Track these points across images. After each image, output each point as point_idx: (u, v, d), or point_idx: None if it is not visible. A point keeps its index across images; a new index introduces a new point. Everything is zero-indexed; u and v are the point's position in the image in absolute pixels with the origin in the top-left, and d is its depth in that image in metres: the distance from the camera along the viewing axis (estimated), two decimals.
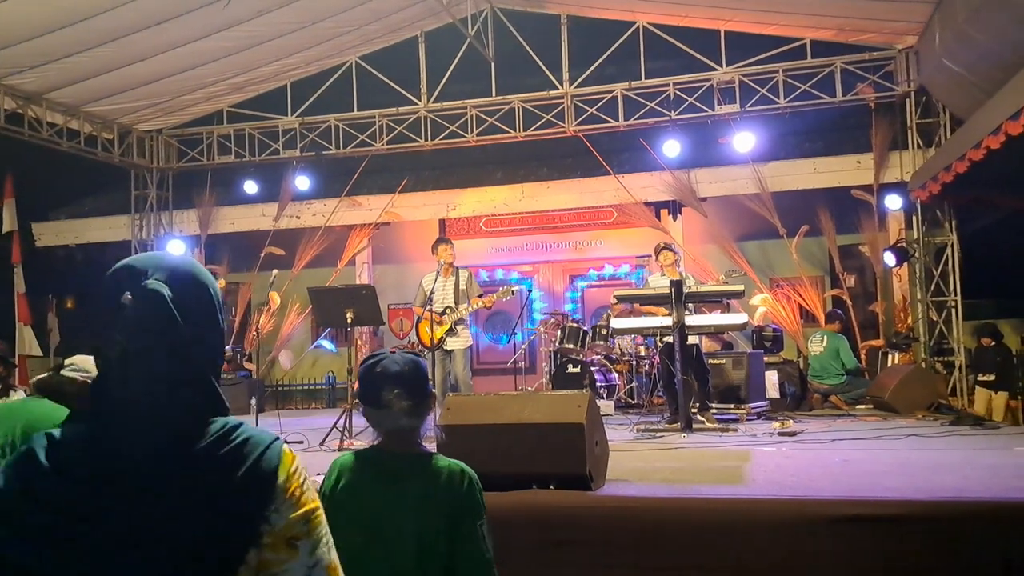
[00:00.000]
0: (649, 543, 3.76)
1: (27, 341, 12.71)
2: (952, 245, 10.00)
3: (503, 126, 11.44)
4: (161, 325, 1.20)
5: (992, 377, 9.31)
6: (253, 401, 9.20)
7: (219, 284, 7.14)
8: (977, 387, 9.55)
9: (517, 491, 4.03)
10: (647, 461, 5.42)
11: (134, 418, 1.18)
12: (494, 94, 11.51)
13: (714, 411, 7.82)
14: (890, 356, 10.06)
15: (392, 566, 2.05)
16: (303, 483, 1.26)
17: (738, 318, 7.63)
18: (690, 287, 7.35)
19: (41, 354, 13.44)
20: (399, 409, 2.19)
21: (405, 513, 2.11)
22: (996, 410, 8.90)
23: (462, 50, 11.04)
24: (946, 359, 9.97)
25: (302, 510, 1.24)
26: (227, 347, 12.45)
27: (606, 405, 8.88)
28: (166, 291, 1.21)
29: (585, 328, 9.92)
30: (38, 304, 13.48)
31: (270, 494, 1.21)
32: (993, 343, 9.72)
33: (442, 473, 2.18)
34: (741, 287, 7.39)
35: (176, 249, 11.90)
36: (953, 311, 9.95)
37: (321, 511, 1.27)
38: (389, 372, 2.23)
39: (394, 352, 2.32)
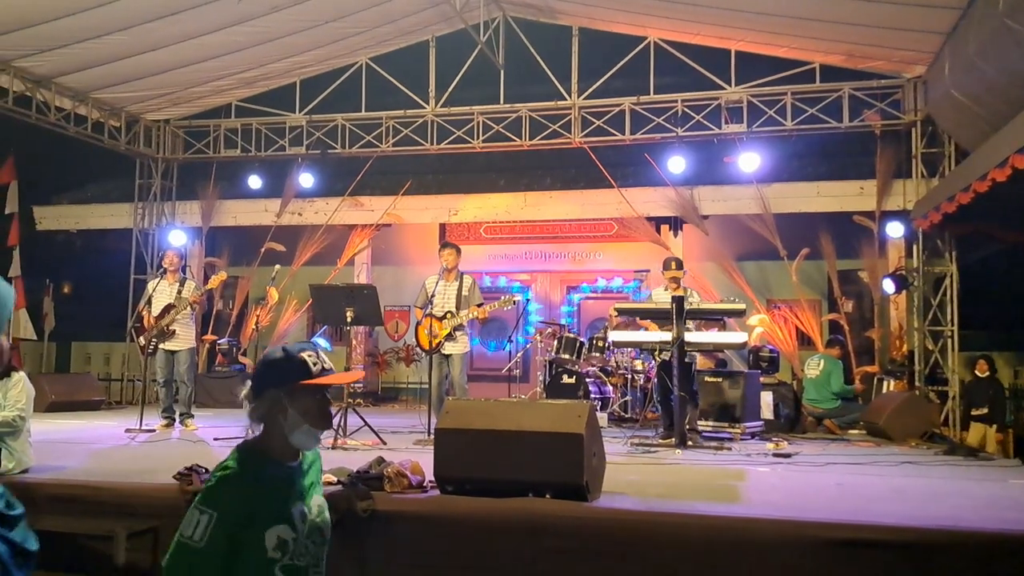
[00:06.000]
0: (644, 557, 3.76)
1: (21, 324, 12.68)
2: (951, 275, 10.02)
3: (509, 134, 11.46)
4: None
5: (985, 411, 9.29)
6: None
7: (220, 276, 7.01)
8: (972, 423, 9.47)
9: (513, 498, 4.04)
10: (642, 475, 5.43)
11: None
12: (502, 102, 11.54)
13: (702, 431, 7.78)
14: (885, 383, 10.07)
15: None
16: None
17: (737, 337, 7.65)
18: (692, 304, 7.35)
19: (36, 337, 13.39)
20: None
21: None
22: (990, 443, 8.87)
23: (472, 56, 11.07)
24: (940, 388, 9.99)
25: None
26: (224, 340, 12.38)
27: (599, 417, 8.87)
28: None
29: (582, 339, 9.93)
30: (35, 288, 13.44)
31: None
32: (988, 372, 9.69)
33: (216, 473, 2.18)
34: (743, 306, 7.40)
35: (177, 240, 11.86)
36: (949, 341, 9.97)
37: None
38: None
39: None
